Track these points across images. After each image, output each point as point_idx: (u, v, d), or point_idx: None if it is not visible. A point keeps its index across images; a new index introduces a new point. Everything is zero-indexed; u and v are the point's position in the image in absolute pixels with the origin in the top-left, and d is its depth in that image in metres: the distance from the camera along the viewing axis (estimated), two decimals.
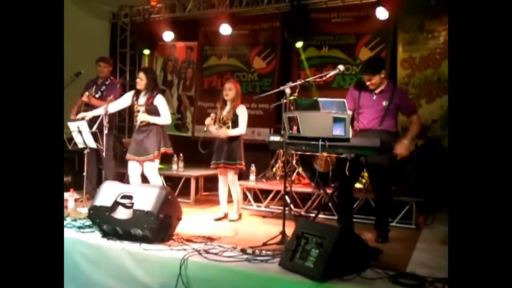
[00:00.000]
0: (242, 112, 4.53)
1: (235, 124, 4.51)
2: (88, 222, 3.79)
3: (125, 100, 4.87)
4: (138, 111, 4.69)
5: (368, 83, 3.83)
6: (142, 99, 4.72)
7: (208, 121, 4.50)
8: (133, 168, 4.74)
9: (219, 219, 4.64)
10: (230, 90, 4.53)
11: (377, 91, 3.87)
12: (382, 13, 5.68)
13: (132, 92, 4.85)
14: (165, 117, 4.73)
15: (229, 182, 4.61)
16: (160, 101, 4.71)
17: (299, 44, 6.36)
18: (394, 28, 6.01)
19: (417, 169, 4.95)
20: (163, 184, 5.41)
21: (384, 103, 3.83)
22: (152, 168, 4.70)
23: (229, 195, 4.74)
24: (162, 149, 4.72)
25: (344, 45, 6.32)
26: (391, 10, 5.66)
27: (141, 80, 4.68)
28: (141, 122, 4.68)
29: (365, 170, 4.30)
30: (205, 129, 4.53)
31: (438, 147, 5.43)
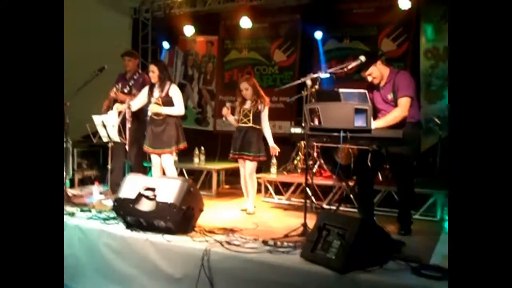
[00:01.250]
0: (266, 110, 4.62)
1: (256, 118, 4.57)
2: (113, 214, 3.86)
3: (143, 97, 4.85)
4: (158, 105, 4.69)
5: (370, 79, 3.70)
6: (157, 92, 4.73)
7: (225, 111, 4.58)
8: (155, 160, 4.83)
9: (245, 209, 4.68)
10: (247, 90, 4.58)
11: (382, 84, 3.73)
12: (404, 3, 5.59)
13: (147, 87, 4.85)
14: (179, 108, 4.71)
15: (247, 174, 4.63)
16: (174, 91, 4.70)
17: (318, 35, 6.32)
18: (417, 18, 5.90)
19: (441, 161, 4.88)
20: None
21: (389, 96, 3.68)
22: (169, 160, 4.77)
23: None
24: (181, 145, 4.78)
25: (366, 37, 6.25)
26: None
27: (153, 73, 4.67)
28: (157, 114, 4.70)
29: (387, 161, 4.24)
30: (224, 119, 4.60)
31: None
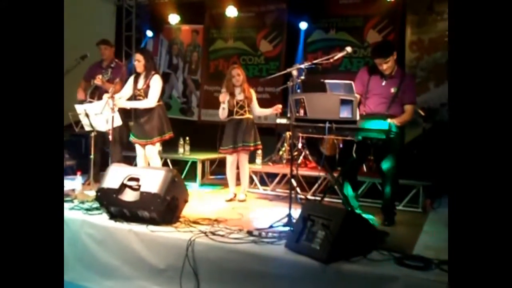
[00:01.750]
0: (254, 95, 4.72)
1: (250, 107, 4.66)
2: (96, 204, 3.82)
3: (128, 88, 4.75)
4: (140, 96, 4.64)
5: (384, 67, 3.73)
6: (141, 82, 4.66)
7: (223, 96, 4.57)
8: (139, 150, 4.79)
9: (230, 200, 4.71)
10: (239, 75, 4.59)
11: (388, 76, 3.80)
12: None
13: (132, 77, 4.77)
14: (149, 100, 4.57)
15: (242, 163, 4.69)
16: (154, 81, 4.59)
17: (303, 26, 6.30)
18: (403, 10, 5.92)
19: (425, 153, 4.92)
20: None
21: (393, 90, 3.76)
22: (153, 151, 4.72)
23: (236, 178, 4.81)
24: (166, 135, 4.73)
25: (352, 28, 6.25)
26: None
27: (139, 62, 4.59)
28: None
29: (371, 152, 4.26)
30: (222, 107, 4.60)
31: (445, 131, 5.37)
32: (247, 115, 4.63)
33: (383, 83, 3.80)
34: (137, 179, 3.55)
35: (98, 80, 5.10)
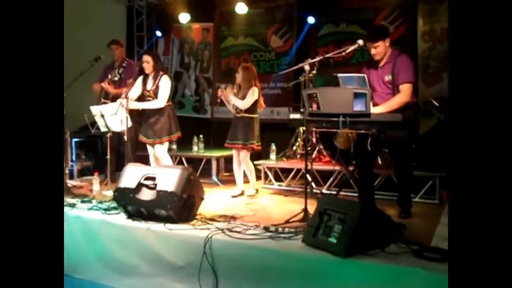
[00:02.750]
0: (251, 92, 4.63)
1: (248, 108, 4.66)
2: (114, 204, 3.87)
3: (138, 87, 4.77)
4: (149, 96, 4.69)
5: (373, 52, 3.68)
6: (150, 83, 4.70)
7: (219, 92, 4.65)
8: (150, 149, 4.87)
9: (236, 196, 4.77)
10: (237, 73, 4.69)
11: (381, 64, 3.74)
12: None
13: (140, 78, 4.78)
14: (159, 101, 4.63)
15: (243, 161, 4.73)
16: (163, 82, 4.63)
17: (311, 20, 6.28)
18: (414, 0, 5.85)
19: (440, 144, 4.87)
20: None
21: (387, 78, 3.68)
22: (162, 150, 4.76)
23: (245, 174, 4.85)
24: (174, 135, 4.77)
25: (363, 20, 6.19)
26: None
27: (148, 63, 4.62)
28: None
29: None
30: (218, 100, 4.68)
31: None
32: (243, 114, 4.65)
33: (380, 72, 3.74)
34: (153, 178, 3.59)
35: (105, 85, 5.14)
